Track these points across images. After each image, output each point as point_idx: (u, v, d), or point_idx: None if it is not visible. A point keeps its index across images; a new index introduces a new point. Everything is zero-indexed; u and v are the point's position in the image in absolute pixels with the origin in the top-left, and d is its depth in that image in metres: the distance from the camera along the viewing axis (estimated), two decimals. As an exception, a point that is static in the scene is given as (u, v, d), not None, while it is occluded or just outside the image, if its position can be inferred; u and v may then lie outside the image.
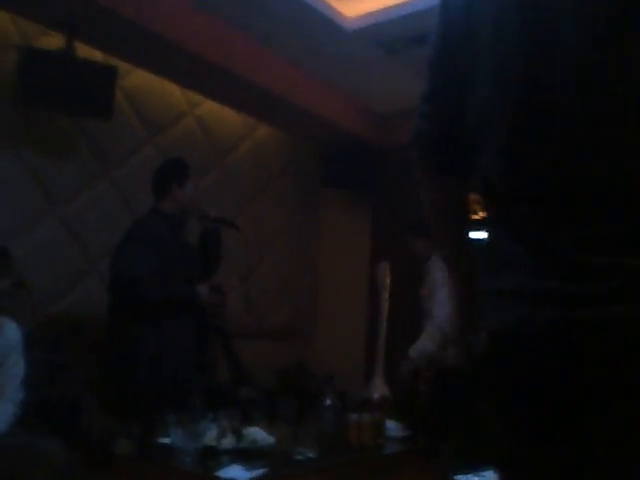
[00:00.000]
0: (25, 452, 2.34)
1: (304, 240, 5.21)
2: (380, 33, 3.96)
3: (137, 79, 4.03)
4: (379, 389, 4.08)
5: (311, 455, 2.35)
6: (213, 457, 2.24)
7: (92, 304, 3.74)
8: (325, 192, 5.18)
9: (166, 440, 2.34)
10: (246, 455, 2.26)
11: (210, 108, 4.51)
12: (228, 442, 2.34)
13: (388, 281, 4.37)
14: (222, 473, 2.06)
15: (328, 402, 2.69)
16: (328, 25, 3.85)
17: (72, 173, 3.72)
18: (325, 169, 4.98)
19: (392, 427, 2.86)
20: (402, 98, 4.74)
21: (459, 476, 1.98)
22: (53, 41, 3.48)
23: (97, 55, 3.71)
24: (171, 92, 4.26)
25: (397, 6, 3.76)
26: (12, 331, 2.59)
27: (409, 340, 4.75)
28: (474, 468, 2.19)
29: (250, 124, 4.80)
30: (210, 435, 2.33)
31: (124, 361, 2.96)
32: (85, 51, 3.57)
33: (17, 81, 3.34)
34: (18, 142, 3.49)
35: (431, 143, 1.15)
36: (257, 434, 2.45)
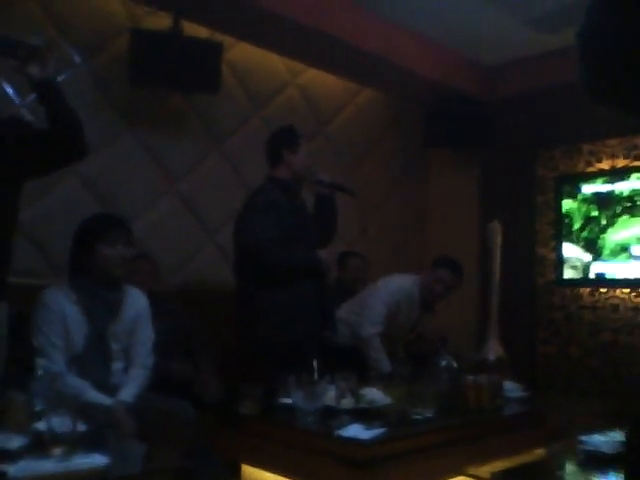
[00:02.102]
0: (159, 413, 2.52)
1: (412, 202, 5.16)
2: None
3: (240, 52, 4.11)
4: (494, 350, 4.02)
5: (429, 415, 2.37)
6: (333, 417, 2.31)
7: (211, 273, 3.93)
8: (431, 152, 5.08)
9: (287, 400, 2.44)
10: (365, 415, 2.32)
11: (311, 76, 4.52)
12: (347, 402, 2.40)
13: (500, 240, 4.26)
14: (343, 432, 2.12)
15: (443, 363, 2.69)
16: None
17: (186, 148, 3.88)
18: (430, 129, 4.88)
19: (510, 388, 2.82)
20: (508, 48, 4.55)
21: (584, 437, 1.92)
22: (161, 21, 3.62)
23: (202, 32, 3.81)
24: (273, 63, 4.31)
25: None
26: (140, 300, 2.75)
27: (522, 300, 4.64)
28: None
29: (352, 89, 4.78)
30: (329, 396, 2.40)
31: (251, 324, 3.08)
32: (191, 29, 3.68)
33: (129, 62, 3.51)
34: (136, 122, 3.68)
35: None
36: (374, 395, 2.50)
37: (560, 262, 4.58)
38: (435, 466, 2.16)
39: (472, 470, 1.78)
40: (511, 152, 4.82)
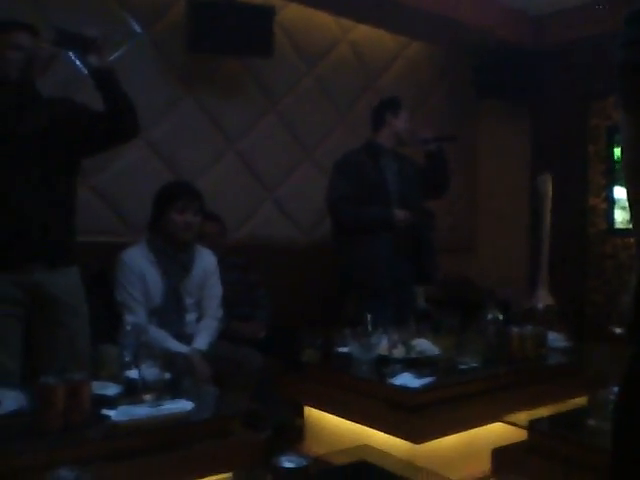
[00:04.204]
0: (230, 361, 2.81)
1: (463, 154, 5.22)
2: None
3: (291, 13, 4.19)
4: (543, 299, 4.16)
5: (475, 365, 2.57)
6: (385, 366, 2.54)
7: (270, 227, 4.17)
8: (482, 103, 5.10)
9: (344, 349, 2.67)
10: (415, 364, 2.53)
11: (362, 32, 4.57)
12: (398, 352, 2.62)
13: (550, 192, 4.32)
14: (395, 380, 2.35)
15: (490, 316, 2.85)
16: None
17: (243, 110, 4.05)
18: (480, 80, 4.88)
19: (554, 338, 2.97)
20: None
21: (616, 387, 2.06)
22: (215, -12, 3.74)
23: (254, -4, 3.92)
24: (324, 21, 4.38)
25: None
26: (208, 257, 3.03)
27: (573, 249, 4.71)
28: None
29: (401, 42, 4.80)
30: (383, 346, 2.61)
31: (341, 271, 3.60)
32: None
33: (187, 30, 3.68)
34: (195, 87, 3.86)
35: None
36: (424, 345, 2.70)
37: (612, 211, 4.61)
38: (478, 412, 2.36)
39: (511, 417, 1.96)
40: (562, 102, 4.79)
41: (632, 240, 4.52)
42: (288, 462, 1.29)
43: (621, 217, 4.59)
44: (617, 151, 4.60)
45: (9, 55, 2.22)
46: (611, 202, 4.62)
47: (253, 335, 3.26)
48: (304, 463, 1.29)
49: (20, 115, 2.26)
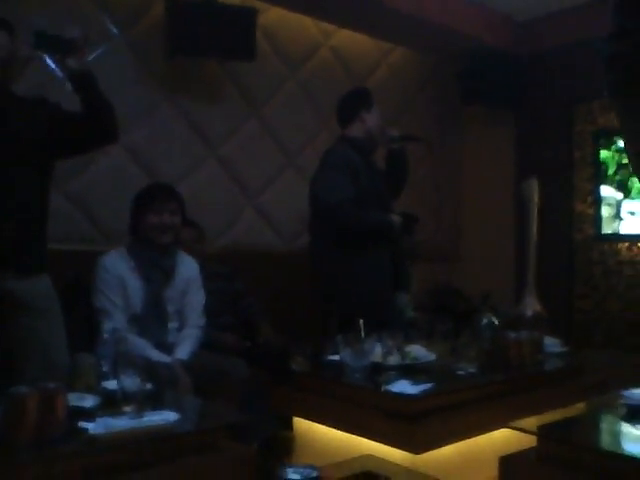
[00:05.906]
0: (214, 371, 2.67)
1: (447, 161, 5.16)
2: None
3: (272, 16, 4.11)
4: (531, 306, 4.07)
5: (472, 371, 2.46)
6: (380, 373, 2.41)
7: (253, 235, 4.04)
8: (466, 109, 5.06)
9: (335, 357, 2.54)
10: (410, 371, 2.41)
11: (344, 37, 4.51)
12: (393, 359, 2.50)
13: (536, 197, 4.26)
14: (392, 387, 2.23)
15: (484, 321, 2.76)
16: None
17: (224, 115, 3.93)
18: (465, 85, 4.84)
19: (550, 344, 2.89)
20: (543, 3, 4.49)
21: (627, 391, 1.98)
22: (195, -11, 3.64)
23: (235, -3, 3.82)
24: (305, 25, 4.30)
25: None
26: (190, 264, 2.91)
27: (560, 256, 4.66)
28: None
29: (384, 48, 4.75)
30: (376, 353, 2.49)
31: (325, 286, 3.21)
32: (224, -5, 3.70)
33: (166, 32, 3.56)
34: (175, 91, 3.74)
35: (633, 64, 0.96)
36: (418, 351, 2.59)
37: (599, 217, 4.57)
38: (479, 419, 2.25)
39: (518, 423, 1.86)
40: (547, 108, 4.77)
41: (619, 246, 4.49)
42: (294, 474, 1.16)
43: (607, 213, 4.57)
44: (603, 155, 4.58)
45: None
46: (598, 205, 4.58)
47: (237, 344, 3.12)
48: (314, 474, 1.16)
49: None
